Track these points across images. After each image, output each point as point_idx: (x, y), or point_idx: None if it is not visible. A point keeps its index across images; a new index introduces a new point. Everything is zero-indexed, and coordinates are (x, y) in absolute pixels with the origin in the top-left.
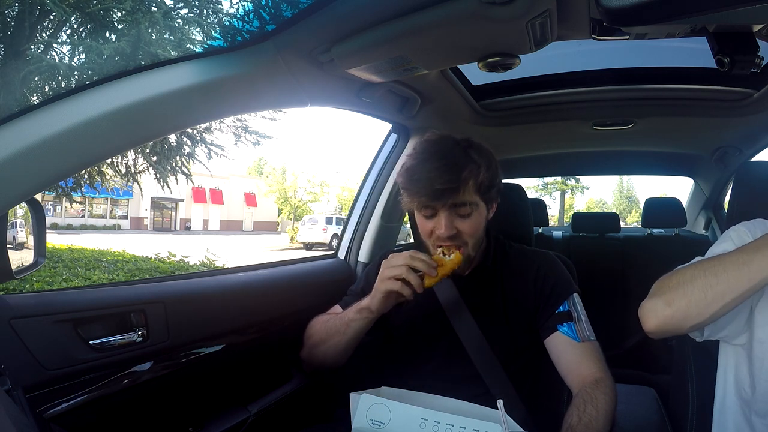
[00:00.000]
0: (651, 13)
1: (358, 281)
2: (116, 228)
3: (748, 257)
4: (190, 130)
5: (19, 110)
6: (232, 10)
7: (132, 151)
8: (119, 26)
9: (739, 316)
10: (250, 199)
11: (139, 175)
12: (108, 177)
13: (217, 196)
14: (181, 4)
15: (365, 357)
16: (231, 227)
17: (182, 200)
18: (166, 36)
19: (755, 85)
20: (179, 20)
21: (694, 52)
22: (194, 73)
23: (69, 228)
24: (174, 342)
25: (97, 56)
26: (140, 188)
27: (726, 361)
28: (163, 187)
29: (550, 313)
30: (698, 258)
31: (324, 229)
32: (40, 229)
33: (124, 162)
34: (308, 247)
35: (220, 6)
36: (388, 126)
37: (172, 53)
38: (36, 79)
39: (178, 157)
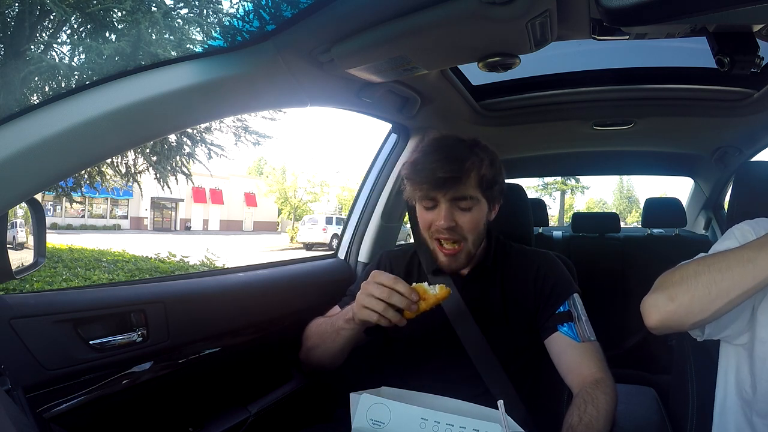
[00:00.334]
0: (651, 13)
1: (357, 281)
2: (116, 228)
3: (753, 254)
4: (190, 130)
5: (19, 110)
6: (232, 10)
7: (132, 151)
8: (119, 26)
9: (742, 316)
10: (250, 199)
11: (139, 175)
12: (108, 177)
13: (217, 196)
14: (181, 4)
15: (365, 357)
16: (231, 227)
17: (182, 200)
18: (166, 36)
19: (755, 85)
20: (179, 20)
21: (694, 52)
22: (194, 73)
23: (69, 228)
24: (174, 342)
25: (97, 56)
26: (140, 188)
27: (727, 361)
28: (163, 187)
29: (550, 313)
30: (702, 254)
31: (324, 229)
32: (40, 229)
33: (124, 162)
34: (308, 247)
35: (220, 6)
36: (388, 126)
37: (172, 53)
38: (36, 79)
39: (178, 157)
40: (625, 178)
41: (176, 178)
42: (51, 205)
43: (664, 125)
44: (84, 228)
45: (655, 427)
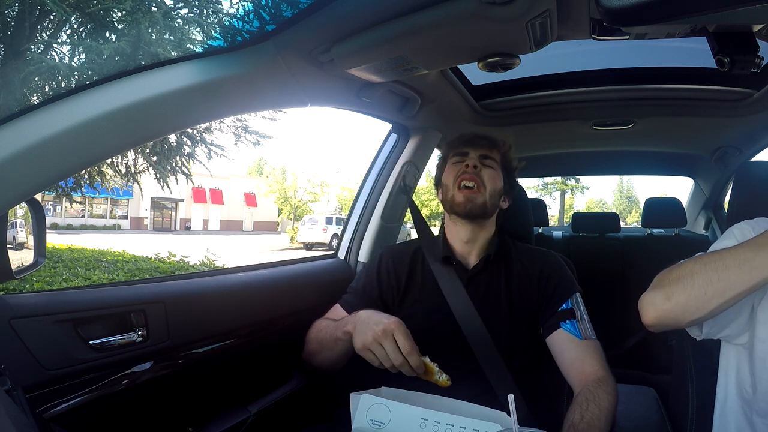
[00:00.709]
0: (651, 13)
1: (357, 278)
2: (116, 228)
3: (751, 255)
4: (190, 130)
5: (19, 110)
6: (232, 10)
7: (132, 151)
8: (119, 26)
9: (741, 315)
10: (250, 199)
11: (139, 175)
12: (108, 177)
13: (217, 196)
14: (181, 4)
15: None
16: (231, 227)
17: (182, 200)
18: (166, 36)
19: (755, 85)
20: (179, 20)
21: (694, 52)
22: (194, 73)
23: (69, 228)
24: (174, 342)
25: (97, 56)
26: (140, 188)
27: (727, 361)
28: (163, 187)
29: (552, 311)
30: (701, 253)
31: (324, 229)
32: (40, 229)
33: (124, 162)
34: (308, 247)
35: (220, 6)
36: (388, 126)
37: (172, 53)
38: (36, 79)
39: (178, 157)
40: (625, 178)
41: (176, 178)
42: (51, 205)
43: (664, 125)
44: (84, 228)
45: (655, 427)
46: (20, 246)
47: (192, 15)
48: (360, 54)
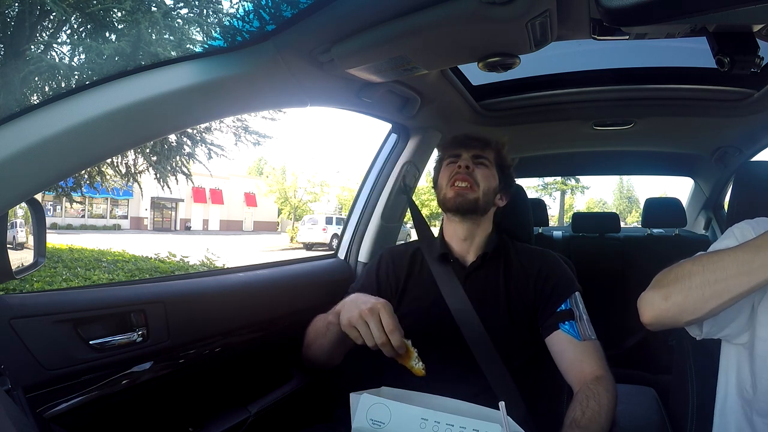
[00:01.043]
0: (651, 13)
1: (358, 279)
2: (116, 228)
3: (749, 257)
4: (190, 130)
5: (19, 110)
6: (232, 10)
7: (132, 151)
8: (119, 26)
9: (741, 315)
10: (250, 199)
11: (139, 175)
12: (108, 177)
13: (217, 196)
14: (181, 4)
15: (365, 357)
16: (231, 227)
17: (182, 200)
18: (166, 36)
19: (755, 85)
20: (179, 20)
21: (694, 52)
22: (194, 73)
23: (69, 228)
24: (174, 342)
25: (97, 56)
26: (140, 188)
27: (728, 361)
28: (163, 187)
29: (551, 311)
30: (701, 252)
31: (324, 229)
32: (40, 229)
33: (124, 162)
34: (308, 247)
35: (220, 6)
36: (388, 126)
37: (172, 53)
38: (36, 79)
39: (178, 157)
40: (625, 178)
41: (176, 178)
42: (51, 205)
43: (664, 125)
44: (84, 228)
45: (655, 427)
46: (20, 246)
47: (192, 15)
48: (360, 54)
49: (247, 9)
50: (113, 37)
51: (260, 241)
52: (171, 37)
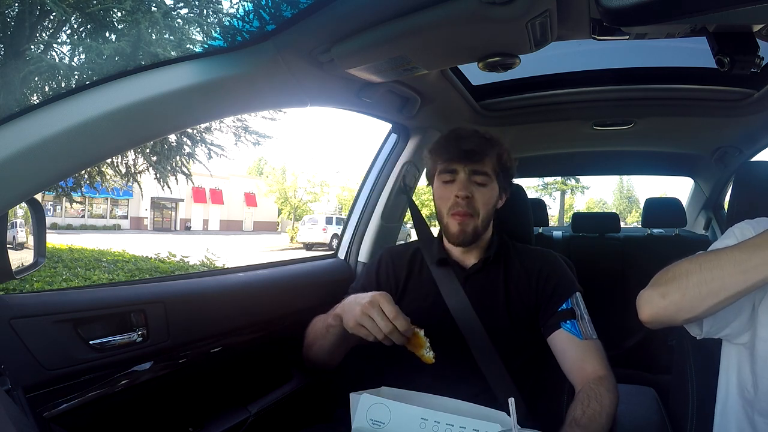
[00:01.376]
0: (651, 13)
1: (358, 279)
2: (116, 228)
3: (746, 256)
4: (190, 130)
5: (19, 110)
6: (232, 10)
7: (132, 151)
8: (119, 26)
9: (742, 314)
10: (250, 199)
11: (139, 175)
12: (108, 177)
13: (217, 196)
14: (181, 4)
15: (365, 357)
16: (231, 227)
17: (182, 200)
18: (166, 36)
19: (755, 85)
20: (179, 20)
21: (694, 52)
22: (194, 73)
23: (69, 228)
24: (174, 342)
25: (97, 56)
26: (140, 188)
27: (728, 361)
28: (163, 187)
29: (552, 311)
30: (700, 252)
31: (324, 229)
32: (40, 229)
33: (124, 162)
34: (308, 247)
35: (220, 6)
36: (388, 126)
37: (172, 53)
38: (36, 79)
39: (178, 157)
40: (625, 178)
41: (176, 178)
42: (51, 205)
43: (664, 125)
44: (84, 228)
45: (655, 427)
46: (20, 246)
47: (192, 15)
48: (360, 54)
49: (247, 9)
50: (113, 37)
51: (260, 241)
52: (171, 37)
